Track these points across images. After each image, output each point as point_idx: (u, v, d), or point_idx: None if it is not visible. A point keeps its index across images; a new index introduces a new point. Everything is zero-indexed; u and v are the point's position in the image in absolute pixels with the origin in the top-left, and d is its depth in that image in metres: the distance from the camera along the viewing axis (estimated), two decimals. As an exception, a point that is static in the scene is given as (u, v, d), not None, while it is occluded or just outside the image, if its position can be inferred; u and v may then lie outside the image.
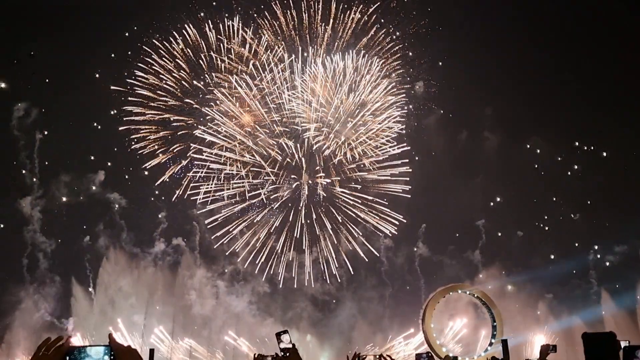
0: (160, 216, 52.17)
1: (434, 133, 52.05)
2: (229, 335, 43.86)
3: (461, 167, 50.21)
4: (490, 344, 34.82)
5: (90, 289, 44.23)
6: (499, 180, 49.55)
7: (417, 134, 51.55)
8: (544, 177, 49.89)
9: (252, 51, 49.69)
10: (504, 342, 31.38)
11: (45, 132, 48.68)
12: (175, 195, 49.90)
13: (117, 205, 50.32)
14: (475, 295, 36.21)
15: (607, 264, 45.86)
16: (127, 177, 51.98)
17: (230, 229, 51.99)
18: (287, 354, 5.83)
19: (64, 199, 48.90)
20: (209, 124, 49.76)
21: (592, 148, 49.68)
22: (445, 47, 51.32)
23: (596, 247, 46.86)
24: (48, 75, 48.37)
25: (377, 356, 7.28)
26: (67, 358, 3.32)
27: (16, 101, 47.59)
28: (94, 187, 49.63)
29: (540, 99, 51.14)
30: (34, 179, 48.34)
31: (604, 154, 49.72)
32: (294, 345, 5.98)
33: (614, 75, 49.45)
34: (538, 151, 50.29)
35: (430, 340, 34.93)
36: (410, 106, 51.36)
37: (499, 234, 48.82)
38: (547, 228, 48.93)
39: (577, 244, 48.19)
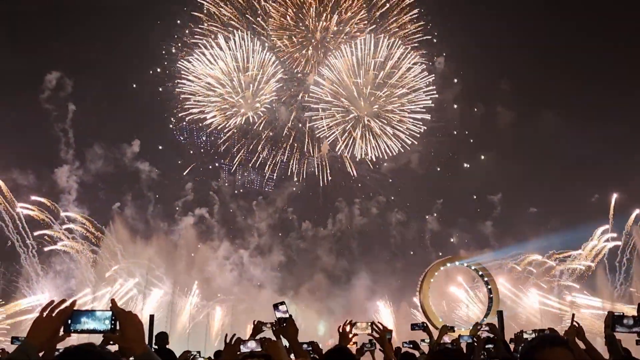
0: (186, 187, 54.18)
1: (450, 108, 52.27)
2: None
3: (476, 141, 50.29)
4: (486, 316, 35.18)
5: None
6: (513, 155, 49.42)
7: (434, 110, 51.88)
8: (560, 154, 49.25)
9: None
10: (500, 314, 31.84)
11: (78, 104, 49.90)
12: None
13: (147, 176, 52.26)
14: (473, 267, 36.59)
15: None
16: (160, 147, 53.78)
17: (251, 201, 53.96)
18: (284, 324, 6.00)
19: (98, 168, 50.57)
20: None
21: (610, 125, 48.36)
22: (464, 22, 51.18)
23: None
24: (81, 45, 49.58)
25: (370, 323, 7.20)
26: (70, 321, 3.34)
27: (47, 72, 49.10)
28: (126, 158, 51.29)
29: (557, 75, 50.29)
30: (69, 150, 50.26)
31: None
32: (290, 315, 6.09)
33: (630, 52, 47.99)
34: (553, 127, 49.51)
35: (427, 310, 35.56)
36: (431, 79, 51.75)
37: (511, 210, 48.82)
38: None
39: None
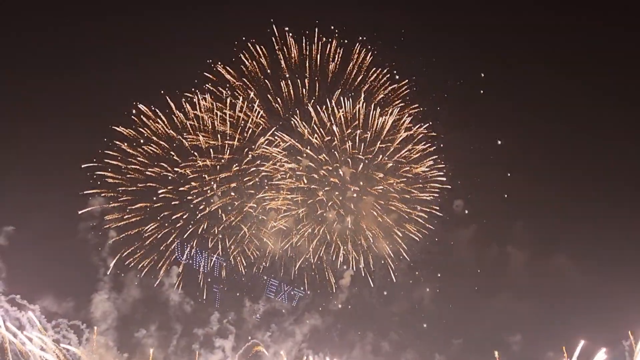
0: (211, 318, 55.32)
1: (464, 247, 53.35)
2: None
3: (488, 282, 50.57)
4: None
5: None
6: (525, 295, 49.17)
7: (446, 251, 53.16)
8: (573, 296, 48.63)
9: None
10: None
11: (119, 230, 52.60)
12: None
13: (174, 306, 53.92)
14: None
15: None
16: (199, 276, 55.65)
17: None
18: None
19: (133, 296, 52.57)
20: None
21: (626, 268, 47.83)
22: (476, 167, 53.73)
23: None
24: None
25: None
26: None
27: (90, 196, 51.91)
28: (164, 286, 53.37)
29: (569, 215, 51.13)
30: (105, 276, 52.15)
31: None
32: None
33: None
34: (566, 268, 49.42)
35: None
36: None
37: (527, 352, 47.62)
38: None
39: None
